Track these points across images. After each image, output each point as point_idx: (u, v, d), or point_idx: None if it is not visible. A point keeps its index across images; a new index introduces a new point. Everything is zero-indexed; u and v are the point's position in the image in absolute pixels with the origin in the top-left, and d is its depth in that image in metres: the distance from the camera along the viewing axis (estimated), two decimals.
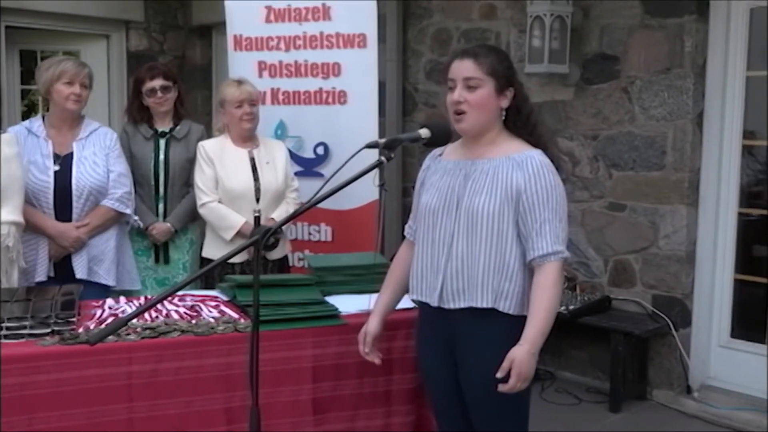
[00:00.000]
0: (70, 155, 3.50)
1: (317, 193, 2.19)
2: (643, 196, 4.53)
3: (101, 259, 3.56)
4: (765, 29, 4.23)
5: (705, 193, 4.41)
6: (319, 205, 2.36)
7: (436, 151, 2.60)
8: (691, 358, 4.45)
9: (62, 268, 3.50)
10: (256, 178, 3.78)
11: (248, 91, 3.76)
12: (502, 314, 2.36)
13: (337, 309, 2.77)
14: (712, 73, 4.35)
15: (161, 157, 3.97)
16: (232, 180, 3.75)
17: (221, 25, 4.94)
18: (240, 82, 3.82)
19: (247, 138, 3.84)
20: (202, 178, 3.77)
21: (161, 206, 3.99)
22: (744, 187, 4.42)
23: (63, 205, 3.46)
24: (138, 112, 4.03)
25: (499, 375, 2.27)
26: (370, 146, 2.32)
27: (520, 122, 2.45)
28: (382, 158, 2.28)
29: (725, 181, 4.40)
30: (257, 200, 3.76)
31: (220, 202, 3.77)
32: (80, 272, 3.49)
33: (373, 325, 2.59)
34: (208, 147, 3.81)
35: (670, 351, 4.48)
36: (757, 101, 4.32)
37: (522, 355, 2.26)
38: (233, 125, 3.81)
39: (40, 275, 3.43)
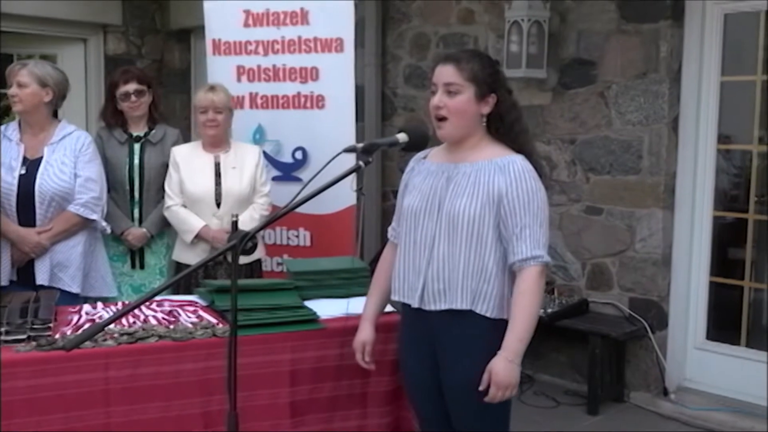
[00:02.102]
0: (39, 159, 3.43)
1: (295, 197, 2.19)
2: (620, 200, 4.57)
3: (66, 266, 3.46)
4: (739, 35, 4.28)
5: (681, 197, 4.46)
6: (298, 210, 2.36)
7: (421, 153, 2.61)
8: (667, 360, 4.49)
9: (25, 273, 3.43)
10: (218, 183, 3.79)
11: (210, 99, 3.75)
12: (481, 317, 2.38)
13: (315, 313, 2.77)
14: (687, 78, 4.39)
15: (136, 161, 3.95)
16: (193, 184, 3.78)
17: (200, 29, 4.92)
18: (210, 88, 3.82)
19: (215, 143, 3.84)
20: (169, 182, 3.84)
21: (136, 211, 3.97)
22: (719, 190, 4.46)
23: (26, 210, 3.39)
24: (112, 117, 4.00)
25: (481, 388, 2.31)
26: (348, 150, 2.34)
27: (503, 129, 2.45)
28: (360, 163, 2.29)
29: (700, 184, 4.44)
30: (218, 204, 3.78)
31: (184, 206, 3.80)
32: (41, 278, 3.40)
33: (368, 334, 2.61)
34: (177, 152, 3.87)
35: (646, 353, 4.52)
36: (731, 106, 4.38)
37: (498, 365, 2.30)
38: (200, 130, 3.86)
39: (3, 280, 3.36)
